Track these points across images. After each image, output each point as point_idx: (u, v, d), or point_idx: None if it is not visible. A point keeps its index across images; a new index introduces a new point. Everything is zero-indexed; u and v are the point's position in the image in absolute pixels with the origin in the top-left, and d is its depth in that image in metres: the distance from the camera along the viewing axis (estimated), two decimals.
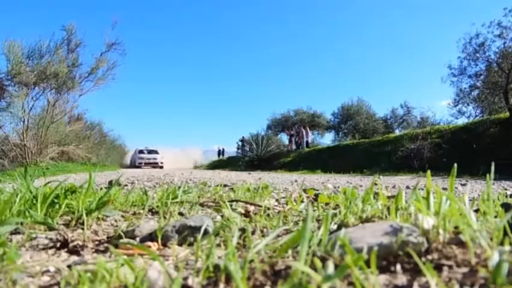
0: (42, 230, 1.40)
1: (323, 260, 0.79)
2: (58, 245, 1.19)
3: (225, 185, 4.58)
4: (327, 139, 41.74)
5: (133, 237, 1.27)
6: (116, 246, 1.14)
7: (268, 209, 1.76)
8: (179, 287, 0.66)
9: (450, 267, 0.75)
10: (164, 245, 1.20)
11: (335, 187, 5.83)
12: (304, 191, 2.96)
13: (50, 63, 18.81)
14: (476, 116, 27.04)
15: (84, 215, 1.44)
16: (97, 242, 1.24)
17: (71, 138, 23.34)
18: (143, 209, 1.85)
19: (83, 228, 1.34)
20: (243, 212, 1.91)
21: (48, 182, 1.72)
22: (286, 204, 1.99)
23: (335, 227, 1.27)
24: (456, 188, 6.31)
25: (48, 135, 20.49)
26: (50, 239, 1.27)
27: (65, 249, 1.15)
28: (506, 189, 5.01)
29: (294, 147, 30.50)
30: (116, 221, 1.68)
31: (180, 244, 1.21)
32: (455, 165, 1.14)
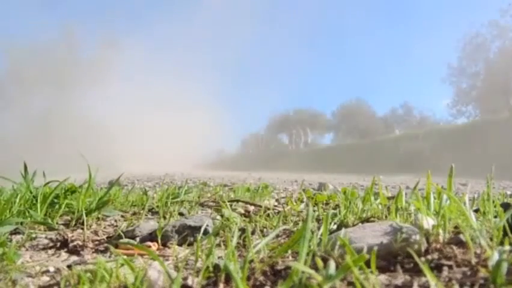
0: (42, 230, 1.40)
1: (323, 260, 0.79)
2: (58, 245, 1.19)
3: (225, 185, 4.58)
4: (327, 139, 41.81)
5: (133, 237, 1.26)
6: (116, 246, 1.14)
7: (268, 209, 1.76)
8: (179, 287, 0.66)
9: (450, 267, 0.75)
10: (164, 245, 1.20)
11: (334, 187, 5.83)
12: (304, 191, 2.96)
13: (51, 63, 18.86)
14: (475, 115, 27.07)
15: (84, 215, 1.44)
16: (96, 242, 1.23)
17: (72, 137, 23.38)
18: (143, 209, 1.85)
19: (83, 228, 1.34)
20: (243, 212, 1.91)
21: (49, 182, 1.72)
22: (286, 204, 1.99)
23: (335, 227, 1.27)
24: (456, 188, 6.32)
25: (48, 134, 20.52)
26: (50, 239, 1.27)
27: (65, 249, 1.15)
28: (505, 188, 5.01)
29: (293, 147, 30.52)
30: (116, 220, 1.68)
31: (180, 244, 1.21)
32: (453, 165, 1.14)
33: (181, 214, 1.83)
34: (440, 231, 0.89)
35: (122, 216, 1.79)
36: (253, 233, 1.34)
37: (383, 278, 0.75)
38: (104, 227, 1.52)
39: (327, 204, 2.18)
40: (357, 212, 1.41)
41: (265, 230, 1.41)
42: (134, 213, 1.86)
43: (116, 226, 1.55)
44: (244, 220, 1.63)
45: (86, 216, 1.50)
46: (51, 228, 1.41)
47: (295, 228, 1.36)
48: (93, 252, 1.14)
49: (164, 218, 1.69)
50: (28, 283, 0.83)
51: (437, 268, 0.75)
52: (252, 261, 0.80)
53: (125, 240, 1.21)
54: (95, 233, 1.38)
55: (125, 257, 0.86)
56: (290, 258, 0.88)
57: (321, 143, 37.38)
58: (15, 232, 1.33)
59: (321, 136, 41.90)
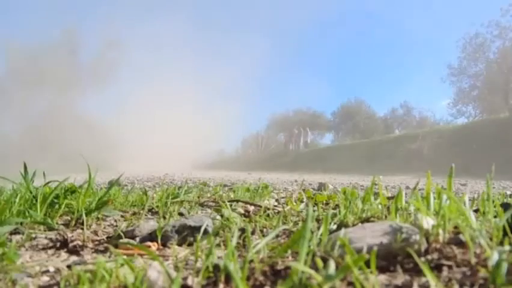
0: (42, 230, 1.40)
1: (323, 260, 0.79)
2: (58, 245, 1.19)
3: (225, 185, 4.59)
4: (327, 139, 41.82)
5: (133, 237, 1.26)
6: (116, 246, 1.14)
7: (268, 209, 1.76)
8: (178, 287, 0.66)
9: (450, 267, 0.75)
10: (164, 245, 1.20)
11: (334, 187, 5.83)
12: (304, 191, 2.95)
13: (51, 64, 18.89)
14: (475, 116, 27.08)
15: (84, 215, 1.44)
16: (96, 242, 1.23)
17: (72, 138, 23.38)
18: (143, 209, 1.85)
19: (82, 228, 1.34)
20: (242, 212, 1.91)
21: (48, 182, 1.72)
22: (286, 204, 1.99)
23: (335, 227, 1.27)
24: (456, 188, 6.32)
25: (48, 135, 20.53)
26: (50, 239, 1.27)
27: (65, 249, 1.15)
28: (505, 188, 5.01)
29: (293, 147, 30.51)
30: (116, 221, 1.68)
31: (180, 244, 1.21)
32: (453, 165, 1.14)
33: (181, 214, 1.83)
34: (440, 231, 0.89)
35: (122, 216, 1.79)
36: (253, 233, 1.34)
37: (383, 278, 0.75)
38: (104, 227, 1.52)
39: (327, 204, 2.18)
40: (357, 212, 1.41)
41: (265, 230, 1.41)
42: (134, 213, 1.86)
43: (116, 226, 1.55)
44: (244, 220, 1.63)
45: (86, 216, 1.50)
46: (51, 228, 1.41)
47: (295, 228, 1.36)
48: (93, 252, 1.14)
49: (164, 218, 1.69)
50: (28, 283, 0.83)
51: (437, 268, 0.75)
52: (251, 261, 0.80)
53: (125, 240, 1.21)
54: (95, 233, 1.38)
55: (125, 257, 0.86)
56: (290, 258, 0.88)
57: (321, 143, 37.41)
58: (15, 232, 1.33)
59: (321, 136, 41.95)
